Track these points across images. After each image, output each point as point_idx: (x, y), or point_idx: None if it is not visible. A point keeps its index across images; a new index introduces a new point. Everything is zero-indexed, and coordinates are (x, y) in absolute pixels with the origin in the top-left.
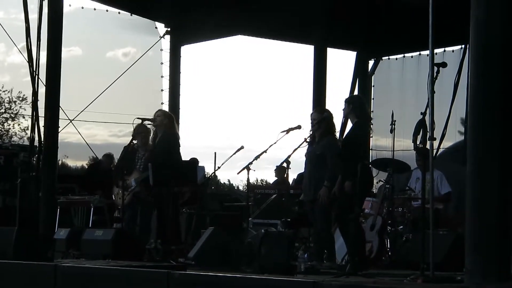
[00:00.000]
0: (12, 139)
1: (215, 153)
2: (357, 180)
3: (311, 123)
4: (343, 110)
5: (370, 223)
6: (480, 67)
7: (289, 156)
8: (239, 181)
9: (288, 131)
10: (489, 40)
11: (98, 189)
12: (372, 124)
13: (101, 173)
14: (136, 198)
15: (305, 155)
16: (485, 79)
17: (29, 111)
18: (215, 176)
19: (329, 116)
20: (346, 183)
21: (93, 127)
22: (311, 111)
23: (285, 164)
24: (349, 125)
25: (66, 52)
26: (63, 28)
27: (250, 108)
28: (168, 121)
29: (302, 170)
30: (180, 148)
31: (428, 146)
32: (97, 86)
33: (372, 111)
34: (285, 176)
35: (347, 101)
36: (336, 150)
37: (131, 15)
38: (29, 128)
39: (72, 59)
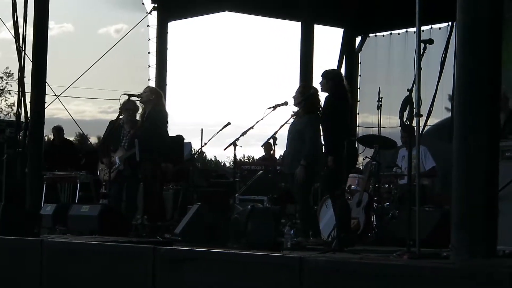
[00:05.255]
0: None
1: (201, 129)
2: (344, 157)
3: (294, 101)
4: (320, 83)
5: (357, 200)
6: (467, 44)
7: (275, 133)
8: (226, 158)
9: (275, 107)
10: (476, 17)
11: (58, 166)
12: (348, 100)
13: (56, 148)
14: (121, 176)
15: (289, 127)
16: (471, 56)
17: (15, 87)
18: (202, 153)
19: (314, 93)
20: (328, 158)
21: (83, 104)
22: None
23: (271, 141)
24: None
25: (58, 28)
26: (54, 4)
27: (237, 85)
28: (155, 97)
29: None
30: (168, 124)
31: (414, 123)
32: (88, 63)
33: (359, 88)
34: (272, 152)
35: (325, 77)
36: (316, 129)
37: None
38: (16, 104)
39: (63, 36)
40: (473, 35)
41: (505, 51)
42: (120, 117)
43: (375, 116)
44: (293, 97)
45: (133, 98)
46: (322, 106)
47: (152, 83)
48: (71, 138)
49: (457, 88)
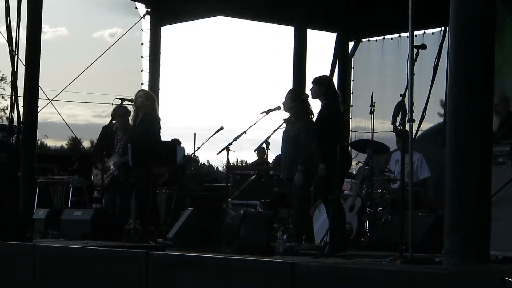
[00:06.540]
0: None
1: (194, 133)
2: (337, 162)
3: (284, 107)
4: (311, 90)
5: (349, 204)
6: (460, 46)
7: (268, 137)
8: (219, 162)
9: (267, 112)
10: (469, 18)
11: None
12: (340, 103)
13: None
14: (115, 181)
15: (283, 134)
16: (464, 58)
17: (8, 91)
18: (195, 157)
19: (306, 98)
20: (320, 166)
21: (76, 108)
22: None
23: (264, 145)
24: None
25: (52, 32)
26: (48, 8)
27: (230, 89)
28: (149, 102)
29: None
30: (161, 129)
31: (407, 128)
32: (81, 67)
33: (352, 93)
34: (265, 157)
35: (317, 83)
36: (310, 133)
37: None
38: (9, 108)
39: (57, 40)
40: (466, 36)
41: (500, 55)
42: (113, 122)
43: (368, 121)
44: (283, 103)
45: (126, 103)
46: (313, 111)
47: (145, 88)
48: (64, 142)
49: (449, 90)
